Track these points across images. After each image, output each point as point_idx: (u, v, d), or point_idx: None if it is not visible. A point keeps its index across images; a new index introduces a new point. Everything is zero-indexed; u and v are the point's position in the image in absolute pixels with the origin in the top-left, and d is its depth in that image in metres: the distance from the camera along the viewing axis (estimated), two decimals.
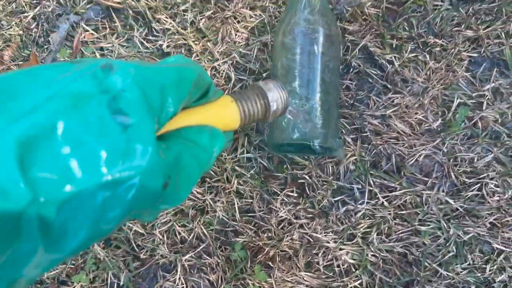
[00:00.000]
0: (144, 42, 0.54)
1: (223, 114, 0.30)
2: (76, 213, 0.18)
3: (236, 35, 0.53)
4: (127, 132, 0.19)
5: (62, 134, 0.18)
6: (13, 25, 0.56)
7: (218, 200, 0.52)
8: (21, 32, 0.56)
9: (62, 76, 0.19)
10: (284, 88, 0.33)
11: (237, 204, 0.52)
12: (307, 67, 0.44)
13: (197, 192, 0.52)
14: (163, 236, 0.53)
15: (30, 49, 0.56)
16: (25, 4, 0.56)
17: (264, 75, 0.52)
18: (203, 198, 0.52)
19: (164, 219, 0.53)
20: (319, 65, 0.44)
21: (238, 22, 0.52)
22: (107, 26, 0.55)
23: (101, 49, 0.54)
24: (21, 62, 0.56)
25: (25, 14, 0.56)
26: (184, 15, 0.53)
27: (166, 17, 0.53)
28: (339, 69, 0.47)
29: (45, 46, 0.56)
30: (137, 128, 0.20)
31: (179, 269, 0.52)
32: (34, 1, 0.56)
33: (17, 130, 0.17)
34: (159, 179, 0.21)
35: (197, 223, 0.53)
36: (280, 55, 0.45)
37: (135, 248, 0.53)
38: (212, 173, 0.52)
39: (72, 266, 0.54)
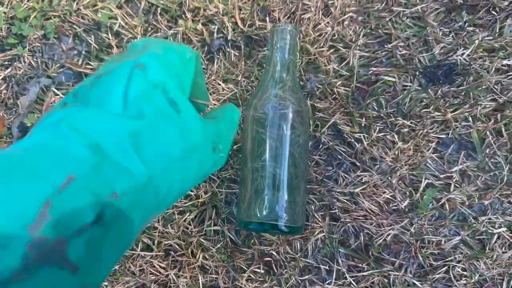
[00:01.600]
0: None
1: None
2: (177, 173, 0.27)
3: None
4: (181, 116, 0.28)
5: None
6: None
7: (182, 275, 0.52)
8: None
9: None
10: None
11: (201, 280, 0.52)
12: (277, 143, 0.45)
13: (160, 267, 0.52)
14: None
15: None
16: None
17: (234, 147, 0.53)
18: (166, 273, 0.52)
19: None
20: (288, 141, 0.49)
21: (211, 94, 0.53)
22: None
23: None
24: None
25: None
26: None
27: None
28: (308, 145, 0.50)
29: (14, 109, 0.56)
30: (186, 111, 0.28)
31: None
32: (6, 62, 0.57)
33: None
34: (210, 145, 0.30)
35: None
36: (251, 129, 0.47)
37: None
38: (177, 246, 0.52)
39: None
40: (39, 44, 0.60)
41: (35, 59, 0.60)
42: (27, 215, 0.19)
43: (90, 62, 0.59)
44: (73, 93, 0.28)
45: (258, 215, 0.48)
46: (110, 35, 0.59)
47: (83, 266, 0.21)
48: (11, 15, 0.61)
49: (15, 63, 0.60)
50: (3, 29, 0.60)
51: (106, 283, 0.56)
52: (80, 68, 0.59)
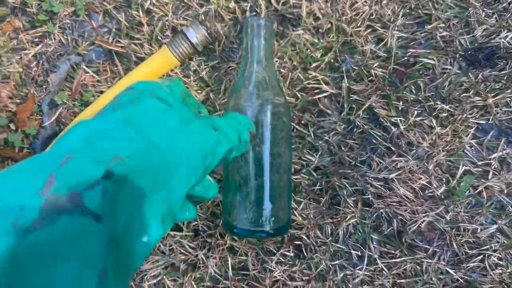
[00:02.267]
0: None
1: (160, 60, 0.53)
2: (179, 143, 0.31)
3: None
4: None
5: None
6: (13, 61, 0.56)
7: (211, 256, 0.52)
8: (20, 69, 0.56)
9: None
10: (200, 26, 0.52)
11: (231, 261, 0.52)
12: (257, 143, 0.46)
13: (189, 247, 0.52)
14: None
15: (29, 88, 0.55)
16: (27, 42, 0.56)
17: None
18: (196, 253, 0.52)
19: (154, 272, 0.52)
20: (268, 140, 0.47)
21: None
22: (108, 69, 0.55)
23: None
24: (18, 101, 0.55)
25: (26, 51, 0.56)
26: (188, 63, 0.53)
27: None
28: (290, 139, 0.51)
29: (44, 86, 0.56)
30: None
31: None
32: (36, 39, 0.56)
33: None
34: (208, 126, 0.34)
35: (188, 278, 0.52)
36: None
37: None
38: (205, 227, 0.52)
39: None
40: (69, 21, 0.60)
41: (65, 36, 0.60)
42: (36, 184, 0.22)
43: (120, 40, 0.59)
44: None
45: (243, 219, 0.47)
46: (140, 12, 0.58)
47: (106, 215, 0.23)
48: None
49: (45, 40, 0.60)
50: (33, 5, 0.60)
51: None
52: (110, 46, 0.58)
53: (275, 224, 0.47)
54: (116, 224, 0.24)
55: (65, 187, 0.22)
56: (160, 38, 0.57)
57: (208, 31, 0.53)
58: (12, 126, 0.59)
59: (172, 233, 0.56)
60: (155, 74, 0.54)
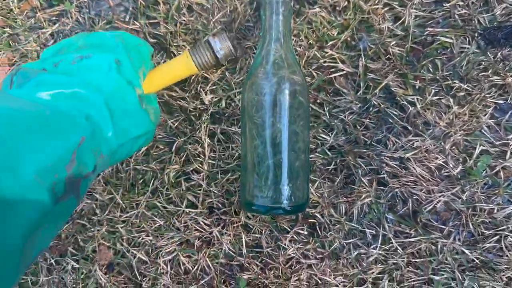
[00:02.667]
0: None
1: (181, 65, 0.48)
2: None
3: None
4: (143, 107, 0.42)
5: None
6: (30, 40, 0.56)
7: (225, 233, 0.52)
8: (38, 48, 0.57)
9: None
10: (227, 38, 0.48)
11: (245, 238, 0.52)
12: (275, 123, 0.47)
13: (204, 223, 0.52)
14: (166, 266, 0.53)
15: None
16: (44, 20, 0.57)
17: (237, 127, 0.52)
18: (210, 230, 0.53)
19: (169, 248, 0.53)
20: (286, 120, 0.47)
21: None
22: None
23: None
24: None
25: (43, 30, 0.57)
26: None
27: (185, 44, 0.53)
28: (308, 118, 0.50)
29: None
30: (146, 102, 0.43)
31: None
32: (54, 18, 0.57)
33: None
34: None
35: (203, 255, 0.53)
36: (248, 111, 0.48)
37: (138, 276, 0.54)
38: (220, 204, 0.52)
39: None
40: (86, 0, 0.60)
41: (82, 15, 0.60)
42: (66, 159, 0.29)
43: (136, 19, 0.59)
44: (53, 62, 0.37)
45: (260, 196, 0.47)
46: None
47: (82, 198, 0.33)
48: None
49: (62, 19, 0.61)
50: None
51: (150, 238, 0.57)
52: (127, 25, 0.59)
53: (292, 202, 0.47)
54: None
55: (78, 170, 0.29)
56: (175, 18, 0.57)
57: (233, 44, 0.49)
58: None
59: (187, 210, 0.56)
60: (173, 77, 0.49)
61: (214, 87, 0.57)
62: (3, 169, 0.24)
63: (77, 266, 0.58)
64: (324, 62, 0.55)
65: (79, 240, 0.58)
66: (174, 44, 0.58)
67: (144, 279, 0.57)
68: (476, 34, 0.55)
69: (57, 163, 0.27)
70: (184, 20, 0.57)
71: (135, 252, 0.57)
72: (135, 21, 0.59)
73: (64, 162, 0.28)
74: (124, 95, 0.38)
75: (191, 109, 0.57)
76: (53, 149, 0.28)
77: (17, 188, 0.24)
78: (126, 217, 0.57)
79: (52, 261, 0.58)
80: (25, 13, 0.61)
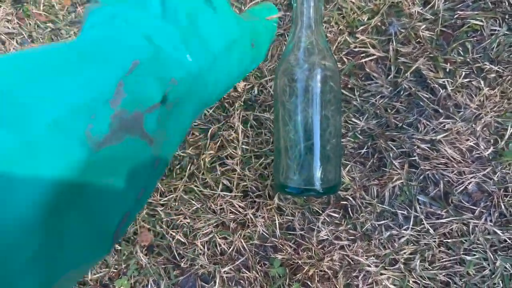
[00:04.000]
0: None
1: None
2: (221, 67, 0.31)
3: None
4: (217, 12, 0.30)
5: None
6: (71, 34, 0.60)
7: (259, 216, 0.55)
8: None
9: None
10: None
11: (278, 220, 0.54)
12: (307, 107, 0.47)
13: (239, 206, 0.55)
14: (203, 247, 0.56)
15: None
16: None
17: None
18: (245, 212, 0.55)
19: (205, 230, 0.55)
20: (318, 103, 0.49)
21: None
22: None
23: None
24: None
25: None
26: None
27: None
28: (340, 102, 0.51)
29: None
30: (220, 8, 0.31)
31: (217, 281, 0.55)
32: None
33: None
34: (248, 41, 0.34)
35: (238, 236, 0.55)
36: (280, 96, 0.49)
37: (176, 256, 0.57)
38: (254, 188, 0.55)
39: (115, 270, 0.58)
40: None
41: None
42: (107, 92, 0.22)
43: None
44: None
45: (294, 178, 0.49)
46: None
47: (156, 139, 0.24)
48: None
49: None
50: None
51: (188, 220, 0.60)
52: None
53: (325, 184, 0.49)
54: (161, 150, 0.26)
55: (131, 103, 0.23)
56: None
57: None
58: None
59: (222, 193, 0.59)
60: None
61: (247, 74, 0.59)
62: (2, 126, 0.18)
63: (119, 248, 0.62)
64: (355, 47, 0.57)
65: None
66: None
67: (182, 259, 0.60)
68: (506, 16, 0.55)
69: (90, 101, 0.21)
70: None
71: (174, 234, 0.60)
72: None
73: (103, 96, 0.22)
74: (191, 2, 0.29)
75: (225, 96, 0.60)
76: (81, 86, 0.21)
77: (23, 147, 0.19)
78: (165, 200, 0.60)
79: None
80: (66, 8, 0.65)
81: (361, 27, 0.56)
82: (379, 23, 0.57)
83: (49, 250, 0.20)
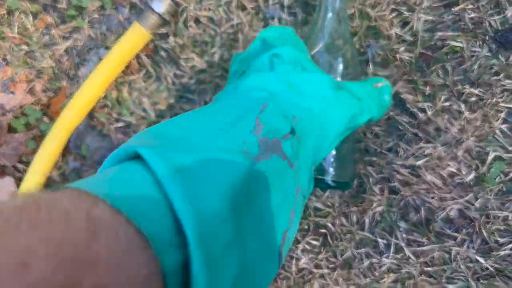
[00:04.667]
0: (173, 78, 0.56)
1: (135, 36, 0.56)
2: (332, 110, 0.37)
3: None
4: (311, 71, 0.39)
5: None
6: (46, 57, 0.59)
7: None
8: (53, 64, 0.59)
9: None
10: None
11: None
12: None
13: None
14: None
15: (61, 82, 0.58)
16: (58, 37, 0.59)
17: None
18: None
19: None
20: None
21: None
22: (136, 62, 0.57)
23: (129, 83, 0.56)
24: (52, 94, 0.59)
25: (58, 46, 0.59)
26: (214, 52, 0.55)
27: (193, 56, 0.55)
28: None
29: (75, 79, 0.59)
30: (313, 68, 0.40)
31: None
32: (67, 34, 0.59)
33: None
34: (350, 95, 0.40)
35: None
36: None
37: None
38: None
39: None
40: (97, 16, 0.62)
41: (94, 31, 0.62)
42: (249, 125, 0.29)
43: None
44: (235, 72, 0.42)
45: None
46: None
47: (294, 164, 0.30)
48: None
49: (75, 35, 0.63)
50: (64, 1, 0.62)
51: None
52: None
53: (336, 178, 0.48)
54: (299, 176, 0.31)
55: (269, 132, 0.29)
56: (183, 30, 0.59)
57: None
58: (46, 119, 0.63)
59: None
60: (130, 51, 0.58)
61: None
62: None
63: None
64: None
65: None
66: (183, 57, 0.59)
67: None
68: (487, 38, 0.54)
69: (239, 134, 0.28)
70: (192, 33, 0.59)
71: None
72: None
73: (249, 128, 0.29)
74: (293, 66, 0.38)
75: None
76: (228, 127, 0.29)
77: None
78: None
79: None
80: (40, 31, 0.64)
81: None
82: (356, 45, 0.55)
83: (238, 240, 0.24)
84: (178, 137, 0.26)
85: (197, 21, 0.59)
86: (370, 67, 0.55)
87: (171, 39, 0.59)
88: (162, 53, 0.60)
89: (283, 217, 0.28)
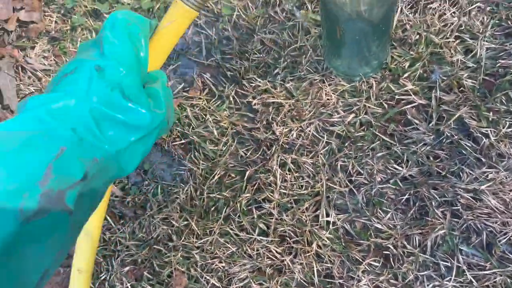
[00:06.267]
0: (235, 97, 0.58)
1: (181, 15, 0.43)
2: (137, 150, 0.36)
3: (325, 97, 0.55)
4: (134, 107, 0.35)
5: None
6: None
7: (297, 262, 0.54)
8: None
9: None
10: None
11: (316, 267, 0.54)
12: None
13: (276, 251, 0.55)
14: None
15: None
16: None
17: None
18: (282, 258, 0.54)
19: (241, 275, 0.55)
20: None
21: (329, 85, 0.55)
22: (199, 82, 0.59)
23: (192, 106, 0.58)
24: None
25: None
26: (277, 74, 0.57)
27: (255, 76, 0.57)
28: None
29: None
30: (138, 104, 0.35)
31: None
32: None
33: None
34: (160, 127, 0.37)
35: (274, 283, 0.55)
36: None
37: None
38: (292, 233, 0.54)
39: None
40: None
41: None
42: (37, 174, 0.28)
43: (210, 54, 0.63)
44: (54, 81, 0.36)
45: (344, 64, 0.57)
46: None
47: (75, 210, 0.29)
48: (136, 6, 0.65)
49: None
50: None
51: (223, 264, 0.59)
52: (198, 59, 0.63)
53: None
54: (78, 217, 0.31)
55: (56, 183, 0.28)
56: (247, 53, 0.61)
57: None
58: None
59: (258, 238, 0.59)
60: (177, 36, 0.46)
61: (285, 118, 0.60)
62: None
63: None
64: (397, 94, 0.57)
65: (155, 265, 0.61)
66: (247, 77, 0.61)
67: None
68: None
69: (22, 185, 0.27)
70: (256, 56, 0.61)
71: (208, 278, 0.59)
72: (210, 55, 0.63)
73: (34, 178, 0.28)
74: (110, 100, 0.34)
75: (261, 139, 0.60)
76: (14, 173, 0.27)
77: None
78: (200, 243, 0.60)
79: (128, 285, 0.61)
80: None
81: (405, 74, 0.57)
82: (421, 71, 0.57)
83: None
84: None
85: (262, 43, 0.61)
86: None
87: (235, 61, 0.61)
88: (229, 72, 0.62)
89: (45, 260, 0.29)
